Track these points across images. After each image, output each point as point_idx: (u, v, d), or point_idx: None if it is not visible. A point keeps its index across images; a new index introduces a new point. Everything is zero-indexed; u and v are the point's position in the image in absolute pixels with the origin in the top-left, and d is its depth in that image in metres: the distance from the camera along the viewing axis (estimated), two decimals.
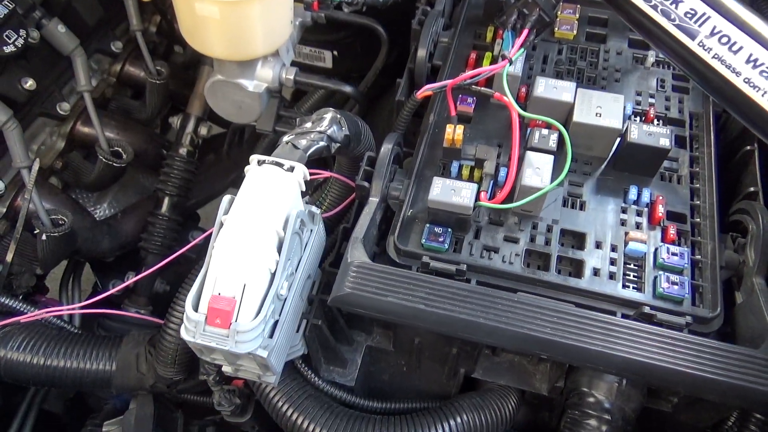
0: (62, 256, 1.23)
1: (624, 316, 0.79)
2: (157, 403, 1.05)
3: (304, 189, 0.76)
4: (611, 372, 0.79)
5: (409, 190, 0.88)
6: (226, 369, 0.79)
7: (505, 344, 0.77)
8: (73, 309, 1.23)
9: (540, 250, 0.84)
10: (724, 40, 0.68)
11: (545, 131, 0.88)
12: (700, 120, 0.98)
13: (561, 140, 0.86)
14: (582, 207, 0.88)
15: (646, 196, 0.88)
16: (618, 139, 0.91)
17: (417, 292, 0.76)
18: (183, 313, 0.70)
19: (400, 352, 0.92)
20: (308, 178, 0.77)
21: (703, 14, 0.69)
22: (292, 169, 0.75)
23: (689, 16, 0.70)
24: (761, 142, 0.83)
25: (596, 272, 0.82)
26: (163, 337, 0.95)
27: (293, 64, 1.20)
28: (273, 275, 0.71)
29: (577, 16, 1.08)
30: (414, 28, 1.09)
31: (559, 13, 1.07)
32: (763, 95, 0.66)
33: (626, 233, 0.85)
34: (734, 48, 0.67)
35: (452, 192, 0.81)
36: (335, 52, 1.54)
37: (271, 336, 0.72)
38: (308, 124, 0.83)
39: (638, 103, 0.99)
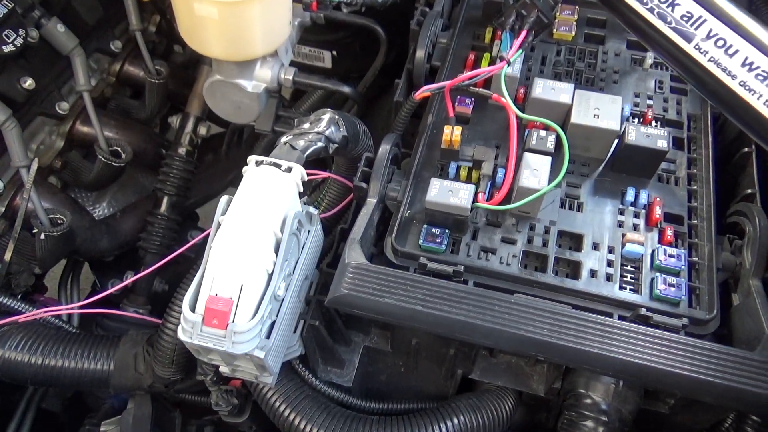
0: (61, 255, 1.24)
1: (621, 317, 0.79)
2: (155, 403, 1.05)
3: (301, 190, 0.76)
4: (608, 374, 0.79)
5: (406, 191, 0.88)
6: (224, 369, 0.79)
7: (502, 346, 0.77)
8: (72, 308, 1.23)
9: (537, 252, 0.84)
10: (720, 43, 0.68)
11: (543, 132, 0.88)
12: (698, 122, 0.98)
13: (559, 142, 0.86)
14: (579, 208, 0.88)
15: (643, 198, 0.88)
16: (616, 141, 0.91)
17: (414, 294, 0.76)
18: (181, 314, 0.70)
19: (397, 353, 0.92)
20: (306, 178, 0.77)
21: (699, 17, 0.69)
22: (289, 169, 0.75)
23: (685, 19, 0.70)
24: (759, 145, 0.83)
25: (593, 274, 0.82)
26: (161, 337, 0.95)
27: (292, 64, 1.20)
28: (270, 276, 0.71)
29: (576, 17, 1.08)
30: (413, 29, 1.09)
31: (557, 14, 1.07)
32: (758, 98, 0.66)
33: (623, 235, 0.85)
34: (730, 51, 0.67)
35: (450, 193, 0.81)
36: (334, 53, 1.54)
37: (268, 337, 0.72)
38: (306, 125, 0.83)
39: (636, 105, 0.99)
